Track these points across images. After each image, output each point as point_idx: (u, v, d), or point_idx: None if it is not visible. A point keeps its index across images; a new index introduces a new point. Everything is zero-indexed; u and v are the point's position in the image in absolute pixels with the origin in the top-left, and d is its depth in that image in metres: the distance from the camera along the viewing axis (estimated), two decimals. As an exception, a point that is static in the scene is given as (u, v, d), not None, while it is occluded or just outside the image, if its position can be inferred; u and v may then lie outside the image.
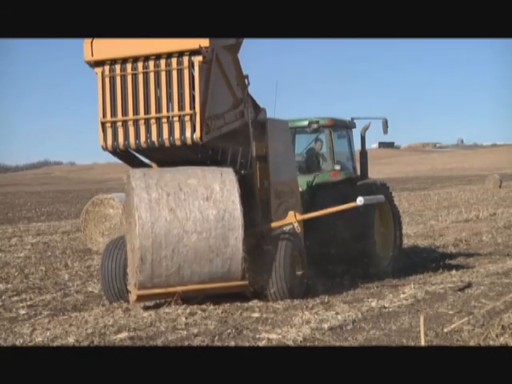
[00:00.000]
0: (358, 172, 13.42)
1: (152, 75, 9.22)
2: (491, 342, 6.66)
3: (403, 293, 9.93)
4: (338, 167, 12.66)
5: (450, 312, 8.61)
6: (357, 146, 13.55)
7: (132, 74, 9.29)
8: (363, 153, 13.49)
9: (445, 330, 7.50)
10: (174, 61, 9.08)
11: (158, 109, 9.21)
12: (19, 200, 46.63)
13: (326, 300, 9.50)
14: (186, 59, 9.03)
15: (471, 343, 6.81)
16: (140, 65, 9.22)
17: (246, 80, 10.14)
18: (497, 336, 6.80)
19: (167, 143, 9.16)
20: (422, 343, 6.19)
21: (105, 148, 9.47)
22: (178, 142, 9.09)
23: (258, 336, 7.66)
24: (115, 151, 9.57)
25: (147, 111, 9.25)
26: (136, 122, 9.31)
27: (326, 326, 7.93)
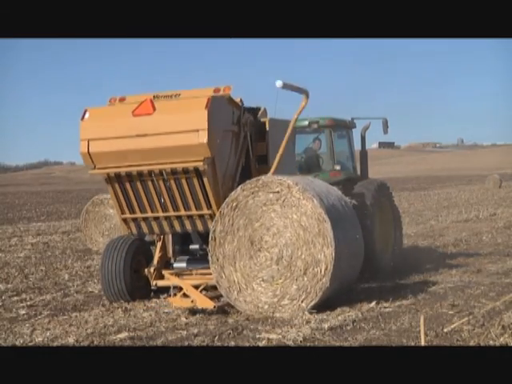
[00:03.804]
0: (358, 172, 13.42)
1: (161, 182, 9.37)
2: (491, 342, 6.66)
3: (403, 293, 9.92)
4: (338, 167, 12.66)
5: (450, 312, 8.60)
6: (357, 146, 13.55)
7: (140, 180, 9.43)
8: (363, 153, 13.49)
9: (445, 330, 7.49)
10: (179, 171, 9.20)
11: (175, 207, 9.41)
12: (19, 200, 46.61)
13: (326, 300, 9.49)
14: (191, 169, 9.13)
15: (471, 343, 6.81)
16: (146, 173, 9.36)
17: (240, 103, 9.99)
18: (497, 336, 6.80)
19: (190, 231, 9.66)
20: (422, 343, 6.19)
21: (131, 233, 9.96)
22: (200, 231, 9.58)
23: (258, 336, 7.66)
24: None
25: (165, 209, 9.49)
26: (157, 218, 9.63)
27: (326, 326, 7.92)
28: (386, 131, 13.56)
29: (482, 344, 6.65)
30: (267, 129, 10.50)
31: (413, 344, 6.98)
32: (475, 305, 8.99)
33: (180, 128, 8.89)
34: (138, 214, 9.60)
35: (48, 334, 8.21)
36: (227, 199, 8.94)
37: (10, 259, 16.18)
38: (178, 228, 9.57)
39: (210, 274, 10.03)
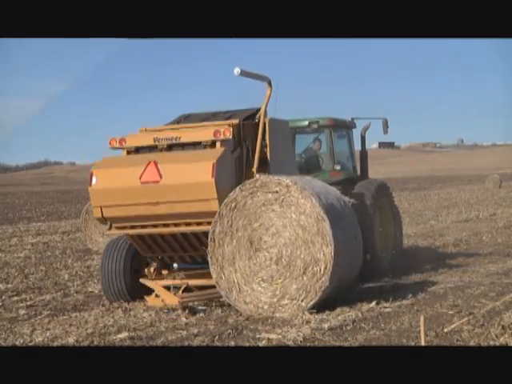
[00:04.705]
0: (358, 172, 13.42)
1: (182, 238, 9.61)
2: (491, 342, 6.65)
3: (403, 293, 9.92)
4: (338, 167, 12.66)
5: (450, 312, 8.60)
6: (357, 146, 13.55)
7: (161, 236, 9.69)
8: (363, 153, 13.49)
9: (445, 330, 7.49)
10: (199, 233, 9.38)
11: (193, 248, 9.68)
12: (19, 200, 46.60)
13: (326, 300, 9.49)
14: (204, 225, 9.27)
15: (471, 343, 6.81)
16: (161, 229, 9.54)
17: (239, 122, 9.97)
18: (497, 336, 6.80)
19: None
20: (422, 343, 6.19)
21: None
22: None
23: (258, 336, 7.66)
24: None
25: (183, 250, 9.78)
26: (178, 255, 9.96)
27: (326, 326, 7.92)
28: (386, 131, 13.57)
29: (482, 344, 6.65)
30: (267, 130, 10.47)
31: (413, 344, 6.98)
32: (475, 305, 8.99)
33: (190, 197, 9.08)
34: (159, 254, 10.02)
35: (48, 333, 8.22)
36: (226, 200, 8.96)
37: (10, 259, 16.20)
38: (197, 259, 9.94)
39: (202, 273, 10.09)
